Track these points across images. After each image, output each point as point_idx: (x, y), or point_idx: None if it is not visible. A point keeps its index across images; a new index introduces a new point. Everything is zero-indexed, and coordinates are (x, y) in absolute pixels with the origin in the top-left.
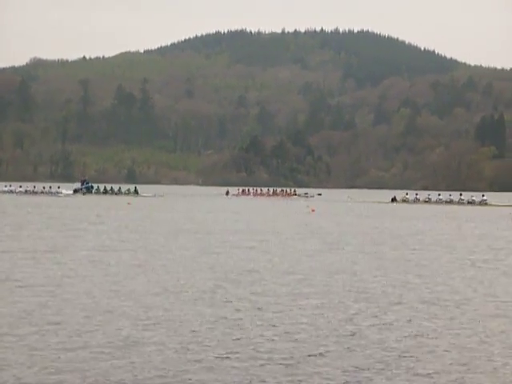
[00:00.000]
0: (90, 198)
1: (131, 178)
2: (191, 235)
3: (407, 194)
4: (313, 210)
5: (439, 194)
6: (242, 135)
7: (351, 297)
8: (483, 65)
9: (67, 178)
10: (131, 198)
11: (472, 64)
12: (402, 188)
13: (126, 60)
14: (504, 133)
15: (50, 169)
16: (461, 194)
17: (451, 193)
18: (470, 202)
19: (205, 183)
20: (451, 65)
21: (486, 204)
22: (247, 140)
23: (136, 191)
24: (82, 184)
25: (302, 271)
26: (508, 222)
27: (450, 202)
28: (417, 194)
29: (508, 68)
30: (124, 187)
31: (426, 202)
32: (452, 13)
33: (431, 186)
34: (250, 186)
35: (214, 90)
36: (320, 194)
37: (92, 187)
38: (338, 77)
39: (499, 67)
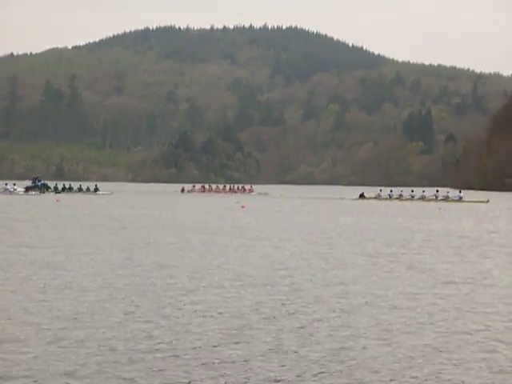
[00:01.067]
0: (56, 197)
1: (60, 174)
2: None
3: (381, 190)
4: (243, 207)
5: (412, 191)
6: (171, 131)
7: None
8: (411, 61)
9: None
10: (88, 196)
11: (400, 60)
12: (331, 183)
13: (55, 56)
14: (432, 128)
15: None
16: (437, 191)
17: (424, 189)
18: (444, 199)
19: (134, 180)
20: (379, 61)
21: (461, 200)
22: (177, 136)
23: (96, 189)
24: (34, 182)
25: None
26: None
27: (423, 198)
28: (391, 191)
29: (435, 64)
30: (84, 185)
31: (396, 198)
32: (379, 10)
33: (360, 182)
34: (180, 182)
35: (143, 86)
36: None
37: (45, 185)
38: (267, 73)
39: (426, 63)
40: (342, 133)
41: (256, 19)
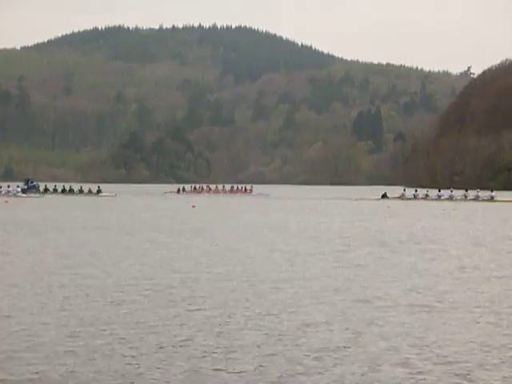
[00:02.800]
0: (66, 199)
1: (8, 175)
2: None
3: (405, 189)
4: (193, 206)
5: (439, 190)
6: (120, 132)
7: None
8: (360, 60)
9: None
10: (92, 198)
11: (349, 59)
12: (281, 183)
13: (2, 57)
14: (381, 127)
15: None
16: (466, 190)
17: (453, 189)
18: (474, 199)
19: (83, 180)
20: (328, 60)
21: (493, 200)
22: (126, 136)
23: (99, 191)
24: (26, 183)
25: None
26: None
27: (451, 198)
28: (416, 191)
29: (384, 63)
30: (85, 187)
31: (422, 198)
32: (329, 9)
33: (310, 181)
34: (130, 182)
35: (92, 86)
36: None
37: (38, 186)
38: (217, 73)
39: (375, 62)
40: (292, 132)
41: (205, 19)
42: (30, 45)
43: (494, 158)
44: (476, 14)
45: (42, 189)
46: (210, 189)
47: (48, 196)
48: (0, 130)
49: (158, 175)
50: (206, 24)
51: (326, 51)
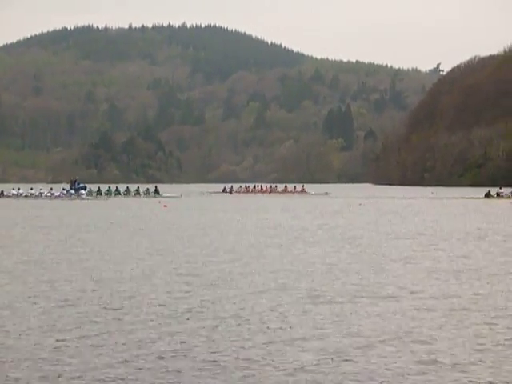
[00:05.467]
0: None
1: None
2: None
3: (501, 187)
4: (165, 206)
5: None
6: (91, 131)
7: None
8: (329, 58)
9: None
10: (158, 200)
11: (318, 57)
12: (253, 181)
13: None
14: (351, 125)
15: None
16: None
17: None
18: None
19: (54, 180)
20: (298, 58)
21: None
22: (97, 136)
23: (157, 191)
24: (73, 185)
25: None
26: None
27: None
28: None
29: (353, 60)
30: (142, 187)
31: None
32: (299, 7)
33: (282, 179)
34: (101, 182)
35: (62, 86)
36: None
37: (85, 188)
38: (187, 72)
39: (345, 60)
40: (263, 131)
41: (174, 18)
42: None
43: (465, 155)
44: (442, 11)
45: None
46: (261, 188)
47: (107, 198)
48: None
49: (128, 175)
50: (176, 23)
51: (295, 49)
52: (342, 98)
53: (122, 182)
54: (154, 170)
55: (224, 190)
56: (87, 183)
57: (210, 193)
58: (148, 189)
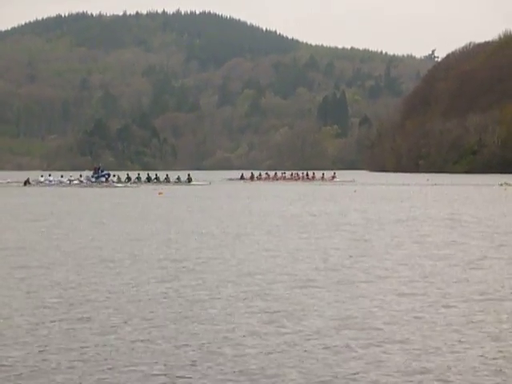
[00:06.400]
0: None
1: None
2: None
3: None
4: (160, 193)
5: None
6: (85, 119)
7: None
8: (324, 44)
9: None
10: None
11: (313, 44)
12: (248, 169)
13: None
14: (346, 111)
15: None
16: None
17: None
18: None
19: (49, 168)
20: (293, 45)
21: None
22: (91, 123)
23: (190, 179)
24: (96, 172)
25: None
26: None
27: None
28: None
29: (348, 47)
30: (172, 175)
31: None
32: None
33: (277, 166)
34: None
35: (57, 73)
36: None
37: (109, 175)
38: (182, 59)
39: (340, 46)
40: (258, 118)
41: (169, 4)
42: None
43: (459, 142)
44: None
45: (115, 178)
46: (285, 176)
47: (137, 186)
48: None
49: (123, 162)
50: (170, 10)
51: (290, 36)
52: (336, 84)
53: (117, 170)
54: (149, 157)
55: (242, 177)
56: (82, 170)
57: (228, 180)
58: (179, 176)
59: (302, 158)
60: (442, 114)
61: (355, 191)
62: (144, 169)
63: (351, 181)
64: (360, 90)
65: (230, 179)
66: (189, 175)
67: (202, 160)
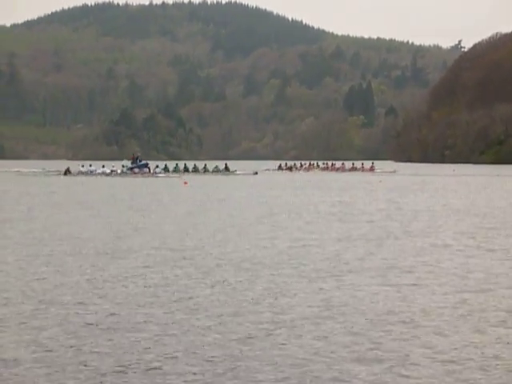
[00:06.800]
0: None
1: (0, 153)
2: None
3: None
4: (185, 183)
5: None
6: (111, 108)
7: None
8: (350, 34)
9: None
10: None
11: (339, 34)
12: (273, 159)
13: None
14: (372, 101)
15: None
16: None
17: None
18: None
19: (75, 157)
20: (319, 35)
21: None
22: (117, 113)
23: (227, 168)
24: (134, 161)
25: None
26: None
27: None
28: None
29: (375, 37)
30: (210, 164)
31: None
32: None
33: (302, 156)
34: (121, 159)
35: (83, 63)
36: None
37: (147, 164)
38: (207, 48)
39: (366, 36)
40: (283, 107)
41: None
42: (19, 22)
43: (486, 132)
44: None
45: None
46: (327, 166)
47: (179, 175)
48: None
49: (149, 152)
50: (196, 0)
51: (316, 26)
52: (362, 74)
53: (143, 159)
54: (175, 147)
55: (280, 167)
56: (107, 160)
57: (264, 170)
58: (217, 166)
59: (327, 148)
60: (469, 104)
61: (380, 181)
62: (170, 159)
63: (393, 171)
64: (386, 80)
65: (267, 170)
66: (226, 164)
67: (228, 150)
